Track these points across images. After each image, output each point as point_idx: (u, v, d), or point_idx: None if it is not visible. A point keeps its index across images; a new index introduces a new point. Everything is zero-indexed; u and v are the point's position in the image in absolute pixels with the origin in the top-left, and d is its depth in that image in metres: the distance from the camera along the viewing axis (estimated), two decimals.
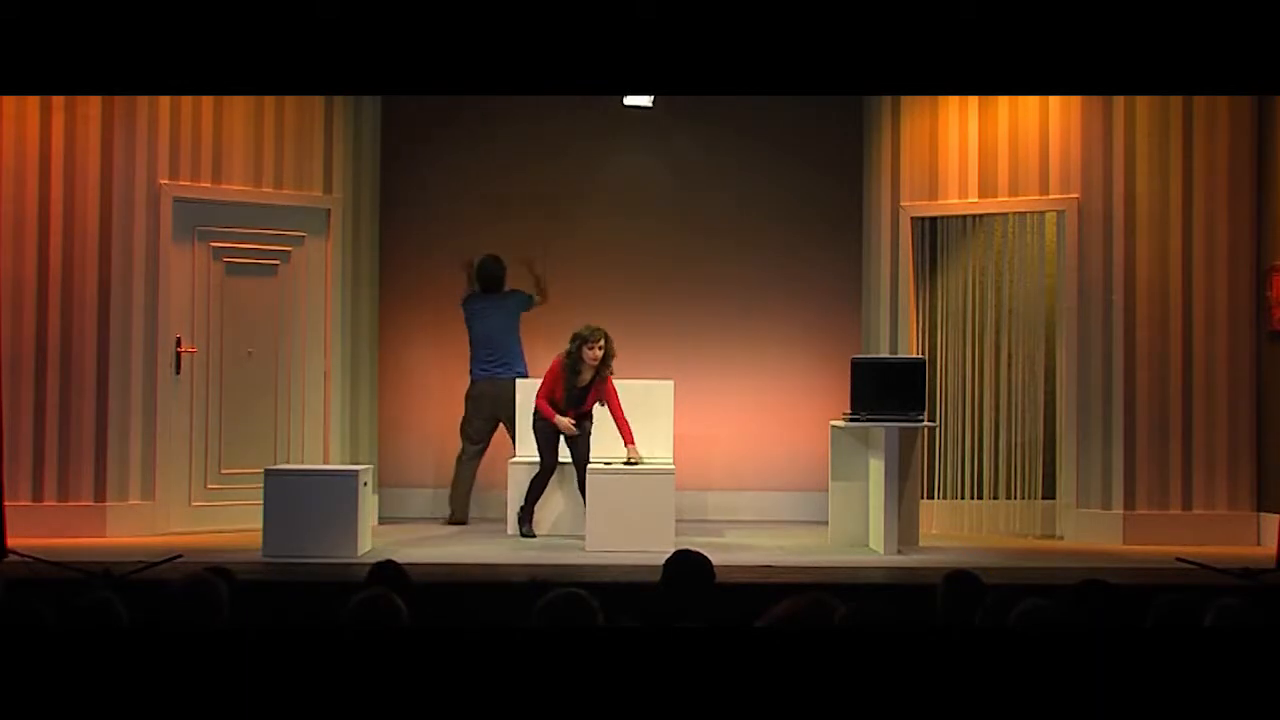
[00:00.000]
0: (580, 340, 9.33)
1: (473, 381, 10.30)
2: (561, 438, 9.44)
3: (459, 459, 10.31)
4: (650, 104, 10.49)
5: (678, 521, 8.99)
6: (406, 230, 10.91)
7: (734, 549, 8.95)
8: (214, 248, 9.70)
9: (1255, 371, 9.54)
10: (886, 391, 8.93)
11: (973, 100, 9.90)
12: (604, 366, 9.39)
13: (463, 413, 10.35)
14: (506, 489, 9.78)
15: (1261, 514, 9.39)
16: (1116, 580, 5.31)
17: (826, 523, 9.40)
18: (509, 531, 9.60)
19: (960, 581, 5.33)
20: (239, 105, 9.67)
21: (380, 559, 5.78)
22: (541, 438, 9.48)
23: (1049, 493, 9.88)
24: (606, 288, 10.99)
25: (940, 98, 9.94)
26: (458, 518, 10.20)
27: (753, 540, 9.42)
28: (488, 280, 10.41)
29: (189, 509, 9.52)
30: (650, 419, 9.88)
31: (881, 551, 8.71)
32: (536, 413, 9.49)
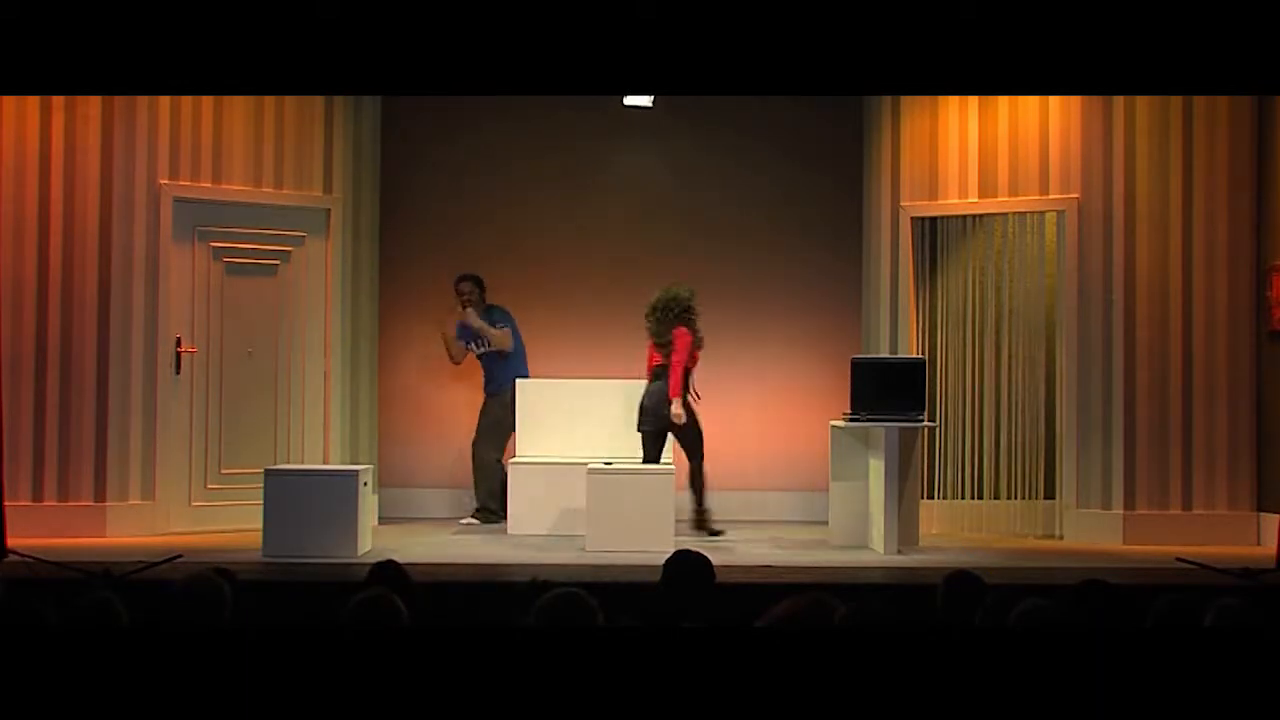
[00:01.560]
0: (691, 297, 9.53)
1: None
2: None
3: (494, 461, 10.29)
4: (650, 104, 10.49)
5: (678, 521, 9.00)
6: (406, 230, 10.92)
7: (734, 549, 8.95)
8: (214, 248, 9.70)
9: (1255, 371, 9.54)
10: (886, 391, 8.94)
11: (973, 100, 9.90)
12: None
13: (507, 419, 10.28)
14: (507, 490, 9.80)
15: (1261, 514, 9.39)
16: (1116, 580, 5.31)
17: (826, 523, 9.40)
18: (510, 532, 9.60)
19: (960, 581, 5.33)
20: (239, 105, 9.67)
21: (380, 559, 5.77)
22: (655, 433, 9.48)
23: (1049, 493, 9.88)
24: (606, 287, 11.00)
25: (940, 98, 9.95)
26: (500, 515, 10.11)
27: (753, 540, 9.42)
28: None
29: (189, 509, 9.52)
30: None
31: (881, 551, 8.71)
32: (656, 407, 9.39)
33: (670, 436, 9.56)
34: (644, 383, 9.80)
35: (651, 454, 9.47)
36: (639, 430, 9.53)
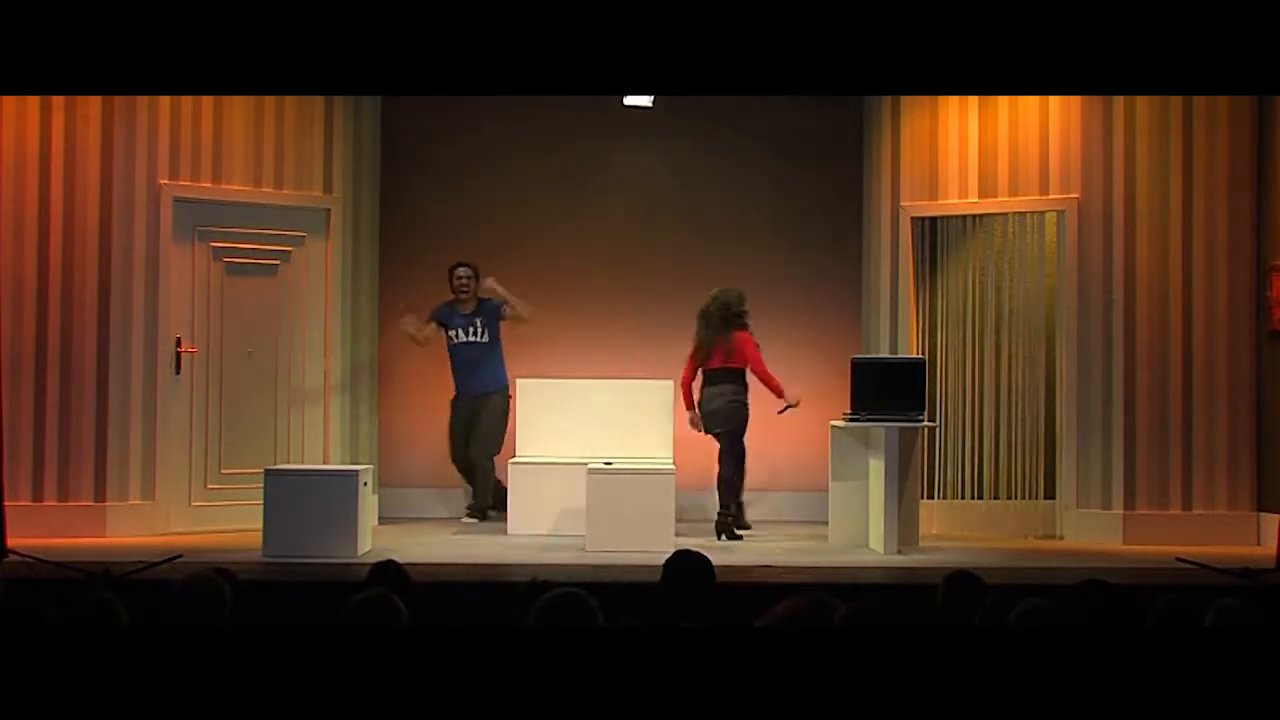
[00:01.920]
0: (743, 300, 9.54)
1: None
2: None
3: (493, 465, 10.27)
4: (650, 104, 10.49)
5: (678, 521, 9.00)
6: (406, 230, 10.91)
7: (734, 549, 8.95)
8: (214, 248, 9.71)
9: (1255, 371, 9.54)
10: (886, 391, 8.93)
11: (973, 100, 9.90)
12: None
13: (504, 421, 10.28)
14: (506, 490, 9.80)
15: (1261, 514, 9.39)
16: (1116, 580, 5.31)
17: (826, 523, 9.40)
18: (510, 532, 9.60)
19: (960, 581, 5.33)
20: (239, 105, 9.67)
21: (380, 559, 5.78)
22: (731, 431, 9.55)
23: (1049, 493, 9.88)
24: (606, 287, 11.01)
25: (940, 98, 9.95)
26: (499, 508, 10.10)
27: (753, 540, 9.41)
28: None
29: (189, 509, 9.52)
30: (650, 419, 9.88)
31: (881, 551, 8.71)
32: (723, 409, 9.46)
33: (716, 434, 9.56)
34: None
35: (739, 449, 9.50)
36: (711, 432, 9.54)
